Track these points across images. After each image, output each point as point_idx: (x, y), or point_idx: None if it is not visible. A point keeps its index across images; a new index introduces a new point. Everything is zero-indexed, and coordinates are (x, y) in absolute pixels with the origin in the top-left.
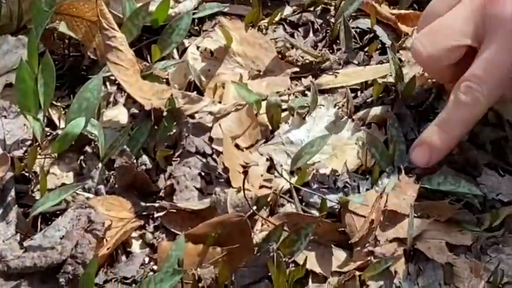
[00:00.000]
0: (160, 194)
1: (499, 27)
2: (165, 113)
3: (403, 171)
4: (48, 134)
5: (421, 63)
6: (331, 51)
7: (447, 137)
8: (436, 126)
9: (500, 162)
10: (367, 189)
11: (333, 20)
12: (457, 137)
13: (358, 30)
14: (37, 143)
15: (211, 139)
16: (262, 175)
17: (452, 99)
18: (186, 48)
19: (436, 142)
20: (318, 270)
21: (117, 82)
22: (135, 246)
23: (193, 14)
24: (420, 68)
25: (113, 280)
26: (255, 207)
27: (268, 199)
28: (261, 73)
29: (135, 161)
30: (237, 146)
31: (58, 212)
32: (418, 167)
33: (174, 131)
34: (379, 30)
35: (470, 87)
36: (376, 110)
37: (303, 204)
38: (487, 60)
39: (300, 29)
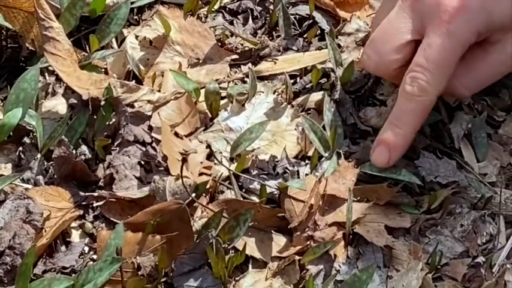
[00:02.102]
0: (100, 183)
1: (435, 17)
2: (102, 102)
3: (342, 156)
4: None
5: (374, 73)
6: (270, 38)
7: (402, 132)
8: (389, 123)
9: (438, 145)
10: (306, 175)
11: (272, 7)
12: (412, 130)
13: (297, 16)
14: None
15: (150, 128)
16: (201, 162)
17: (400, 93)
18: (125, 38)
19: (392, 139)
20: (257, 255)
21: (55, 72)
22: (75, 236)
23: (132, 3)
24: (359, 52)
25: (51, 270)
26: (193, 195)
27: (208, 186)
28: (200, 61)
29: (73, 151)
30: (176, 134)
31: None
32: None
33: (113, 120)
34: (318, 16)
35: (416, 77)
36: (315, 96)
37: (243, 190)
38: (427, 48)
39: (239, 17)
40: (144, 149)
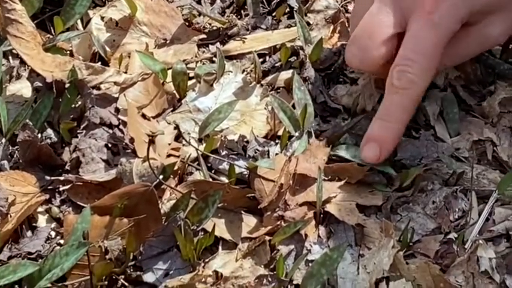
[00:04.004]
0: (66, 167)
1: (417, 8)
2: (67, 85)
3: (313, 135)
4: None
5: (359, 70)
6: (238, 16)
7: (392, 127)
8: (378, 119)
9: (412, 124)
10: (276, 154)
11: None
12: (402, 124)
13: None
14: None
15: (117, 110)
16: (169, 144)
17: (387, 87)
18: (90, 19)
19: (382, 135)
20: (227, 236)
21: (19, 56)
22: (41, 221)
23: None
24: (329, 30)
25: (17, 256)
26: (161, 177)
27: (176, 168)
28: (168, 41)
29: (39, 135)
30: (143, 115)
31: None
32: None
33: (79, 103)
34: None
35: (402, 71)
36: (284, 74)
37: (212, 171)
38: (412, 40)
39: None
40: (111, 131)
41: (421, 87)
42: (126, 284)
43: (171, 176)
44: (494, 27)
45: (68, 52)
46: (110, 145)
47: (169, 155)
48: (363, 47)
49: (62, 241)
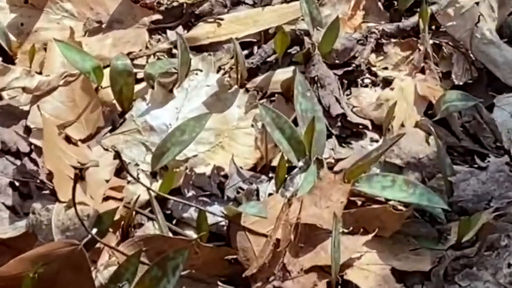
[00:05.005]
0: None
1: None
2: None
3: (325, 165)
4: None
5: None
6: None
7: None
8: None
9: (475, 146)
10: (270, 194)
11: None
12: None
13: None
14: None
15: (28, 129)
16: (108, 181)
17: None
18: None
19: None
20: None
21: None
22: None
23: None
24: (349, 6)
25: None
26: (95, 231)
27: (117, 217)
28: (104, 25)
29: None
30: (67, 138)
31: None
32: None
33: None
34: None
35: None
36: (281, 74)
37: (173, 221)
38: None
39: None
40: (18, 162)
41: None
42: None
43: (110, 230)
44: None
45: None
46: (17, 183)
47: (107, 198)
48: None
49: None
